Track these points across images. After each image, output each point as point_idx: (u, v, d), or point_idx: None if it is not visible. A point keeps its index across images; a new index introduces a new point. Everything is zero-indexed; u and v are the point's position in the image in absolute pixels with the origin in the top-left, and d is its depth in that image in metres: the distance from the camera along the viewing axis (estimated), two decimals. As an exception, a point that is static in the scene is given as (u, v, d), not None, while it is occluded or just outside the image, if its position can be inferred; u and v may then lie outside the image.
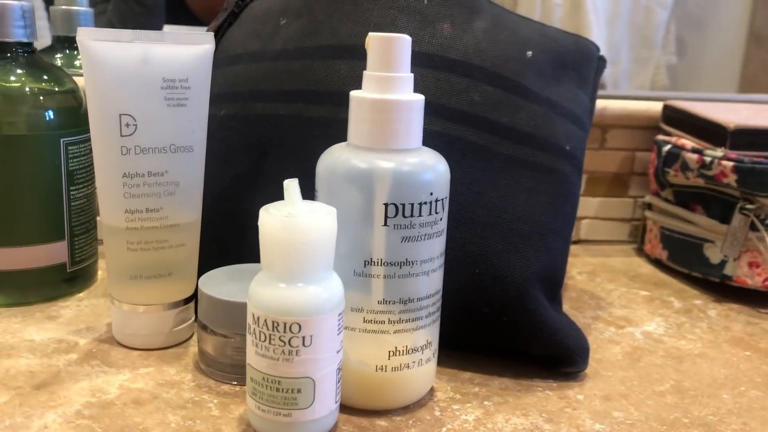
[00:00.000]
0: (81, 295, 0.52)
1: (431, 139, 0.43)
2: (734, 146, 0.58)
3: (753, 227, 0.56)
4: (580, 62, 0.51)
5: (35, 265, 0.49)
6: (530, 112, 0.46)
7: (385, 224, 0.36)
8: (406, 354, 0.38)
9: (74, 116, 0.50)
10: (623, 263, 0.67)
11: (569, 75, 0.50)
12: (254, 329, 0.34)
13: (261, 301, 0.34)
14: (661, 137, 0.66)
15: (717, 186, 0.59)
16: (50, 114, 0.49)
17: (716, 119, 0.60)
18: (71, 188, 0.50)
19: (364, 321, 0.37)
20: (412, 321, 0.37)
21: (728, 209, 0.58)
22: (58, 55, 0.66)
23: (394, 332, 0.37)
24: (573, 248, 0.70)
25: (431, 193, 0.37)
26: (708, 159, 0.58)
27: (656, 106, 0.69)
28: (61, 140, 0.48)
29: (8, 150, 0.47)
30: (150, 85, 0.41)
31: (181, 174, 0.43)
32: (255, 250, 0.43)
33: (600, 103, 0.68)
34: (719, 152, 0.58)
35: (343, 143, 0.38)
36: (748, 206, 0.56)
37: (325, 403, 0.35)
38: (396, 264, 0.36)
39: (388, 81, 0.36)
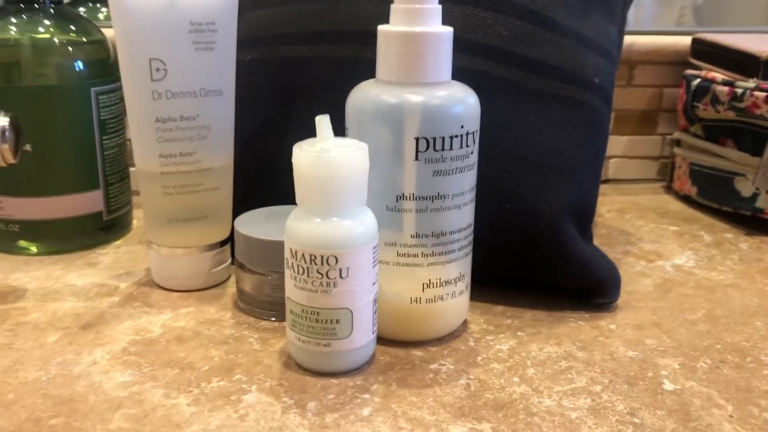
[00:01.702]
0: (118, 243, 0.53)
1: (458, 74, 0.43)
2: (767, 76, 0.57)
3: (785, 158, 0.56)
4: (607, -6, 0.50)
5: (72, 214, 0.50)
6: (558, 45, 0.46)
7: (416, 158, 0.36)
8: (440, 286, 0.38)
9: (103, 66, 0.50)
10: (652, 200, 0.66)
11: (597, 7, 0.49)
12: (292, 263, 0.35)
13: (298, 236, 0.34)
14: (690, 72, 0.65)
15: (748, 118, 0.58)
16: (80, 64, 0.49)
17: (748, 49, 0.59)
18: (104, 137, 0.50)
19: (398, 255, 0.38)
20: (445, 254, 0.38)
21: (760, 141, 0.57)
22: (81, 9, 0.66)
23: (428, 265, 0.38)
24: (601, 187, 0.69)
25: (462, 126, 0.37)
26: (740, 90, 0.57)
27: (685, 41, 0.68)
28: (92, 90, 0.49)
29: (40, 101, 0.48)
30: (178, 30, 0.41)
31: (212, 118, 0.43)
32: (287, 193, 0.44)
33: (627, 39, 0.67)
34: (751, 83, 0.57)
35: (371, 80, 0.38)
36: (781, 137, 0.55)
37: (363, 334, 0.36)
38: (428, 198, 0.37)
39: (416, 13, 0.36)
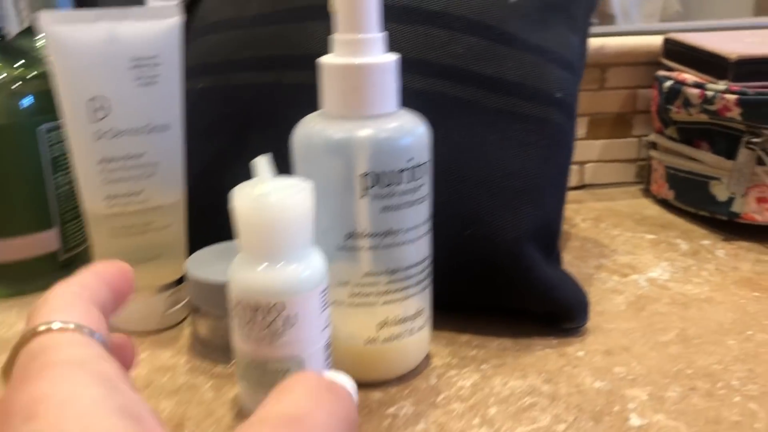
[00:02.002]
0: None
1: (413, 97, 0.42)
2: (737, 77, 0.55)
3: (760, 161, 0.54)
4: (569, 3, 0.49)
5: (27, 255, 0.49)
6: (517, 60, 0.44)
7: (365, 195, 0.35)
8: (397, 324, 0.37)
9: (51, 101, 0.49)
10: (629, 206, 0.65)
11: (558, 17, 0.48)
12: (235, 313, 0.33)
13: (240, 284, 0.33)
14: (662, 73, 0.63)
15: (721, 121, 0.57)
16: (27, 101, 0.48)
17: (717, 50, 0.57)
18: (56, 175, 0.49)
19: (351, 294, 0.36)
20: (401, 291, 0.37)
21: (734, 144, 0.56)
22: (39, 36, 0.65)
23: (383, 303, 0.36)
24: (578, 194, 0.68)
25: (410, 159, 0.35)
26: (710, 93, 0.56)
27: (656, 40, 0.66)
28: (40, 127, 0.47)
29: (-13, 141, 0.46)
30: (118, 66, 0.40)
31: (160, 154, 0.42)
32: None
33: (597, 42, 0.65)
34: (721, 85, 0.56)
35: (317, 112, 0.37)
36: (754, 140, 0.54)
37: None
38: (380, 235, 0.35)
39: (358, 43, 0.35)
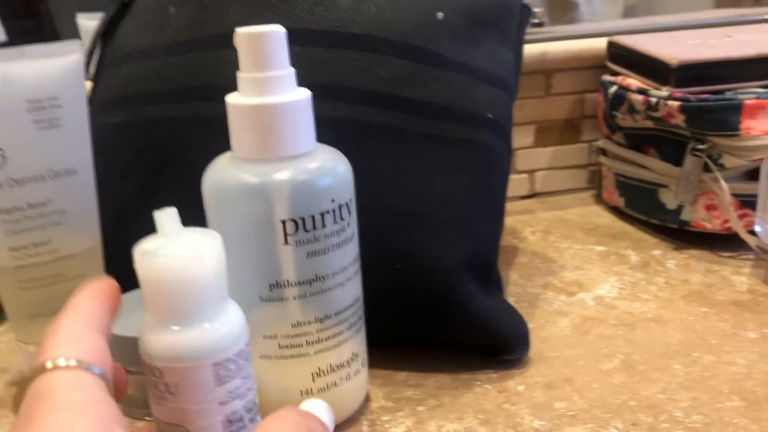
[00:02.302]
0: (0, 329, 0.49)
1: (336, 126, 0.40)
2: (679, 83, 0.54)
3: (707, 168, 0.53)
4: (499, 17, 0.47)
5: (-59, 307, 0.46)
6: (445, 81, 0.42)
7: (287, 242, 0.32)
8: (332, 372, 0.35)
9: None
10: (580, 214, 0.64)
11: (488, 33, 0.46)
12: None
13: (140, 342, 0.30)
14: (607, 78, 0.62)
15: (666, 127, 0.55)
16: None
17: (659, 55, 0.56)
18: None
19: (280, 347, 0.34)
20: (333, 337, 0.34)
21: (681, 150, 0.54)
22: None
23: (315, 353, 0.34)
24: (528, 203, 0.67)
25: (332, 200, 0.33)
26: (654, 100, 0.54)
27: (601, 43, 0.65)
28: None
29: None
30: (13, 110, 0.37)
31: (67, 200, 0.39)
32: None
33: (539, 48, 0.64)
34: (664, 92, 0.54)
35: (227, 154, 0.35)
36: (700, 147, 0.53)
37: None
38: (306, 282, 0.33)
39: (265, 82, 0.33)
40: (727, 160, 0.52)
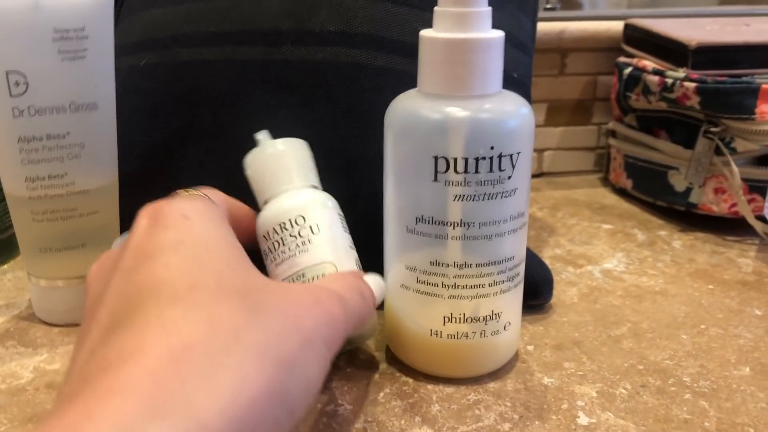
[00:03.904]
0: (4, 267, 0.49)
1: (376, 75, 0.40)
2: (696, 65, 0.54)
3: (718, 151, 0.53)
4: (520, -16, 0.47)
5: (-51, 240, 0.46)
6: None
7: (435, 179, 0.32)
8: (464, 322, 0.34)
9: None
10: (587, 195, 0.64)
11: (513, -1, 0.46)
12: (269, 246, 0.35)
13: (263, 220, 0.36)
14: (622, 59, 0.62)
15: (680, 109, 0.55)
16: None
17: (677, 37, 0.56)
18: (-20, 154, 0.46)
19: (418, 281, 0.34)
20: (471, 288, 0.33)
21: (692, 133, 0.55)
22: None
23: (449, 297, 0.33)
24: (535, 182, 0.67)
25: (492, 147, 0.31)
26: (669, 81, 0.55)
27: (618, 26, 0.65)
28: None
29: None
30: (40, 37, 0.37)
31: (86, 134, 0.39)
32: None
33: (557, 26, 0.64)
34: (681, 73, 0.54)
35: (412, 90, 0.34)
36: (713, 129, 0.53)
37: None
38: (449, 224, 0.32)
39: (467, 17, 0.31)
40: (740, 144, 0.52)
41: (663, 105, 0.56)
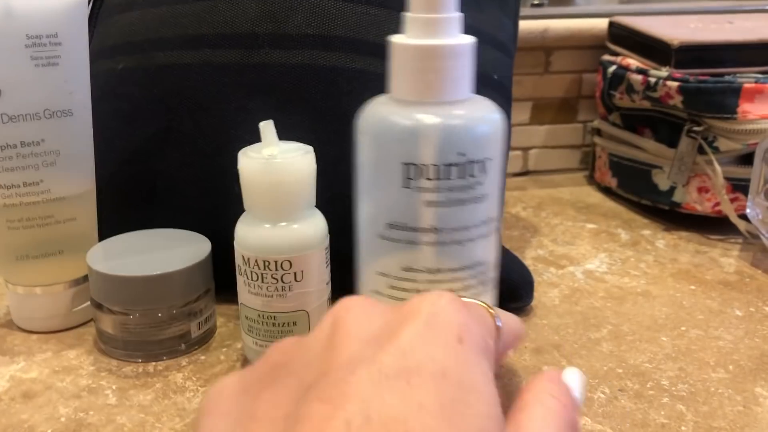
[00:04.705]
0: None
1: (354, 78, 0.40)
2: (679, 64, 0.54)
3: (701, 150, 0.53)
4: (501, -15, 0.47)
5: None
6: None
7: (407, 186, 0.31)
8: None
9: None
10: (572, 193, 0.64)
11: (491, 0, 0.46)
12: (245, 270, 0.35)
13: (249, 243, 0.34)
14: (606, 57, 0.62)
15: (663, 108, 0.55)
16: None
17: (660, 36, 0.56)
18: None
19: (390, 287, 0.33)
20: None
21: (676, 132, 0.55)
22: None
23: None
24: (520, 180, 0.67)
25: (462, 154, 0.31)
26: (653, 80, 0.54)
27: (602, 23, 0.65)
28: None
29: None
30: (12, 44, 0.36)
31: (61, 141, 0.39)
32: (169, 214, 0.40)
33: (540, 24, 0.64)
34: (664, 72, 0.54)
35: (385, 96, 0.33)
36: (695, 128, 0.53)
37: None
38: (421, 230, 0.32)
39: (436, 23, 0.31)
40: (722, 143, 0.52)
41: (647, 104, 0.56)
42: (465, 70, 0.31)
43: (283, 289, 0.34)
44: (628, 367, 0.37)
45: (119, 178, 0.43)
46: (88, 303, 0.41)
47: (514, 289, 0.42)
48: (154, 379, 0.36)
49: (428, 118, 0.31)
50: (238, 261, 0.35)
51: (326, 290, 0.36)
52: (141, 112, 0.44)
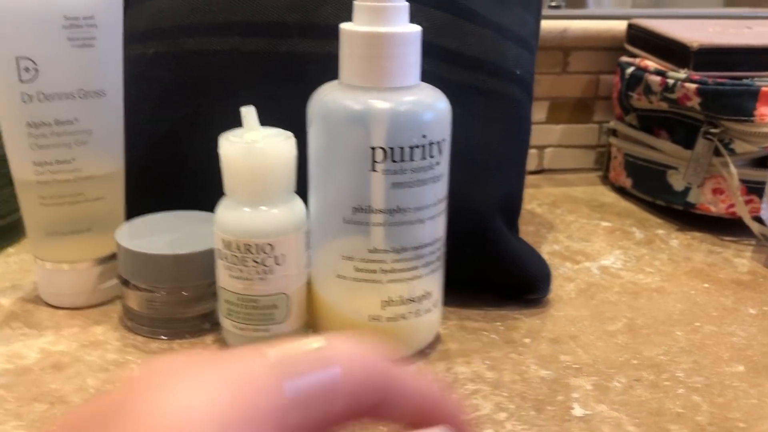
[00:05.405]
0: (11, 250, 0.49)
1: None
2: (698, 66, 0.55)
3: (717, 152, 0.54)
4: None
5: (-45, 223, 0.46)
6: (479, 36, 0.44)
7: (374, 169, 0.33)
8: (402, 304, 0.36)
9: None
10: (586, 192, 0.64)
11: (516, -3, 0.47)
12: (225, 254, 0.35)
13: (231, 227, 0.35)
14: (624, 59, 0.62)
15: (680, 110, 0.56)
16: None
17: (680, 38, 0.56)
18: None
19: (356, 270, 0.35)
20: (408, 270, 0.35)
21: (692, 134, 0.55)
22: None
23: (388, 281, 0.35)
24: (535, 178, 0.67)
25: (424, 136, 0.34)
26: (671, 81, 0.55)
27: (620, 25, 0.65)
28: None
29: None
30: (50, 24, 0.37)
31: (94, 121, 0.39)
32: (197, 197, 0.41)
33: (560, 24, 0.64)
34: (682, 74, 0.55)
35: (334, 81, 0.35)
36: (712, 130, 0.53)
37: (299, 317, 0.37)
38: (387, 212, 0.34)
39: (384, 11, 0.33)
40: (738, 146, 0.53)
41: (664, 105, 0.57)
42: (414, 58, 0.34)
43: (264, 272, 0.35)
44: (643, 358, 0.38)
45: (147, 159, 0.44)
46: (114, 281, 0.42)
47: (532, 281, 0.43)
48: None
49: (390, 102, 0.33)
50: (218, 245, 0.35)
51: (305, 274, 0.36)
52: (170, 97, 0.45)
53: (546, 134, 0.68)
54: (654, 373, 0.37)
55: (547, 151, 0.69)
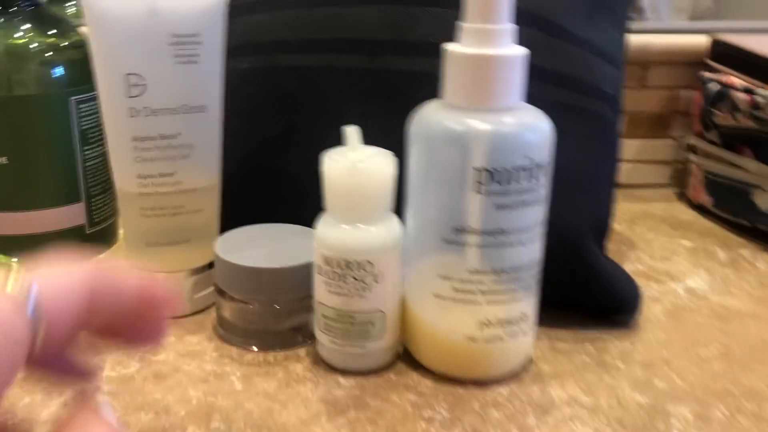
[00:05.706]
0: (102, 256, 0.50)
1: None
2: (789, 85, 0.53)
3: (807, 173, 0.52)
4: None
5: (52, 228, 0.47)
6: (569, 53, 0.43)
7: (477, 191, 0.33)
8: (499, 326, 0.36)
9: (84, 71, 0.47)
10: (665, 209, 0.63)
11: (602, 13, 0.46)
12: (326, 270, 0.36)
13: (332, 243, 0.35)
14: (706, 74, 0.61)
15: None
16: (59, 71, 0.46)
17: (769, 55, 0.55)
18: (84, 148, 0.47)
19: (454, 290, 0.35)
20: (506, 293, 0.35)
21: (780, 153, 0.54)
22: (70, 2, 0.63)
23: (486, 303, 0.35)
24: (611, 194, 0.67)
25: (529, 158, 0.34)
26: (761, 99, 0.54)
27: (699, 40, 0.64)
28: (72, 99, 0.46)
29: (16, 111, 0.45)
30: (157, 42, 0.38)
31: (195, 136, 0.40)
32: (288, 211, 0.41)
33: (642, 40, 0.64)
34: (772, 92, 0.54)
35: (436, 101, 0.36)
36: (803, 150, 0.52)
37: (394, 333, 0.37)
38: (488, 233, 0.34)
39: (489, 34, 0.33)
40: (831, 167, 0.52)
41: (751, 123, 0.56)
42: (518, 79, 0.34)
43: (363, 289, 0.35)
44: (743, 387, 0.37)
45: (240, 173, 0.45)
46: (207, 291, 0.43)
47: (622, 302, 0.42)
48: (275, 368, 0.38)
49: (493, 123, 0.33)
50: (318, 261, 0.36)
51: (400, 292, 0.37)
52: (263, 112, 0.45)
53: (623, 149, 0.67)
54: (756, 403, 0.36)
55: (624, 166, 0.68)
